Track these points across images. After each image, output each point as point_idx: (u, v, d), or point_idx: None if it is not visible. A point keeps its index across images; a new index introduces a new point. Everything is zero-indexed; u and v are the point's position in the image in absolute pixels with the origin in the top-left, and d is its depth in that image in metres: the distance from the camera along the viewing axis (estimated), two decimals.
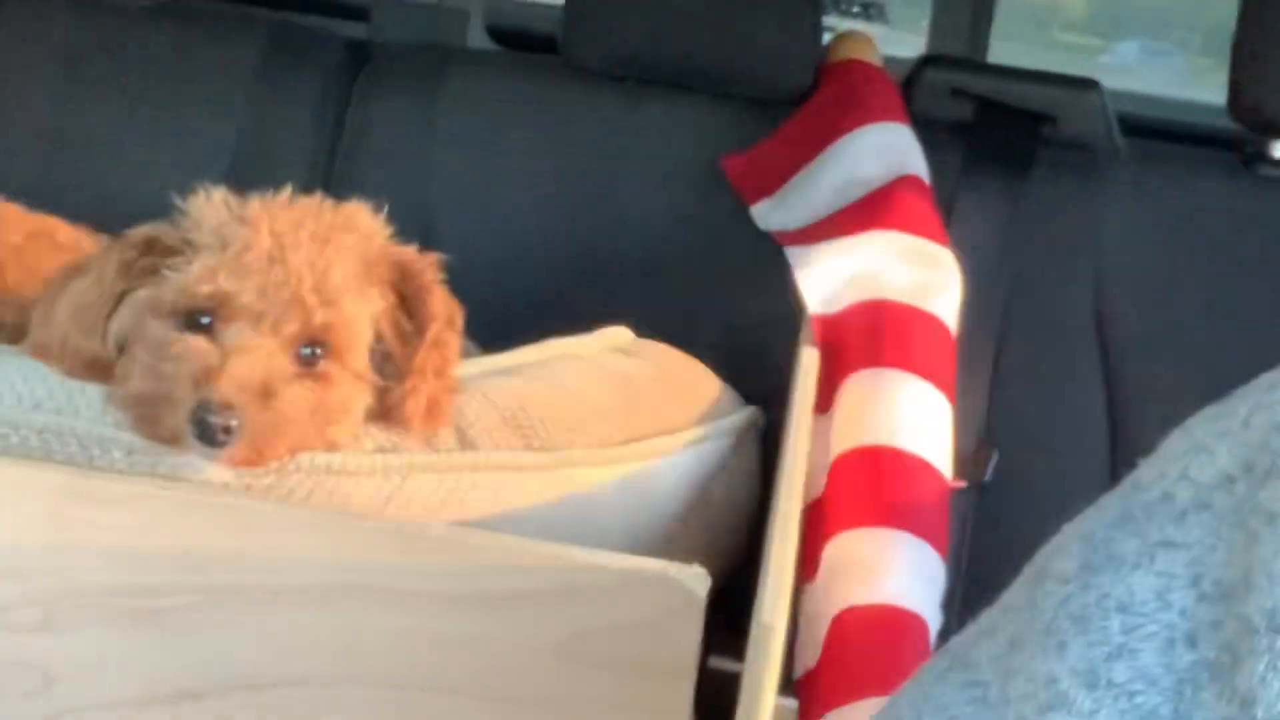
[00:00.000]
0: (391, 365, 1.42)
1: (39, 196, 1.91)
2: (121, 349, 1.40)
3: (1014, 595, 0.79)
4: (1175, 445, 0.76)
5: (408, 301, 1.44)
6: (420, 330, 1.42)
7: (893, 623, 1.64)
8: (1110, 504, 0.76)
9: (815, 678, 1.59)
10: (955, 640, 0.82)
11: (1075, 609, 0.74)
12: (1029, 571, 0.79)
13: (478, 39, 2.86)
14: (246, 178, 1.51)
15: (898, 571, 1.68)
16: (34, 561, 1.27)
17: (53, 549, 1.27)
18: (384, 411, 1.41)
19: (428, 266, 1.46)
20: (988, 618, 0.81)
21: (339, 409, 1.37)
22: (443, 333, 1.42)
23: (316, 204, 1.44)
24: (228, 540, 1.26)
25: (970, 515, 2.10)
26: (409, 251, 1.47)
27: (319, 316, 1.36)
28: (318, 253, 1.38)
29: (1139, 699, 0.71)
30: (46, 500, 1.27)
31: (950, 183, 2.21)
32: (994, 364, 2.16)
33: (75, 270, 1.46)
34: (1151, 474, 0.76)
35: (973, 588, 2.04)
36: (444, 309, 1.44)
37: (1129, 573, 0.73)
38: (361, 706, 1.27)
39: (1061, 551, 0.77)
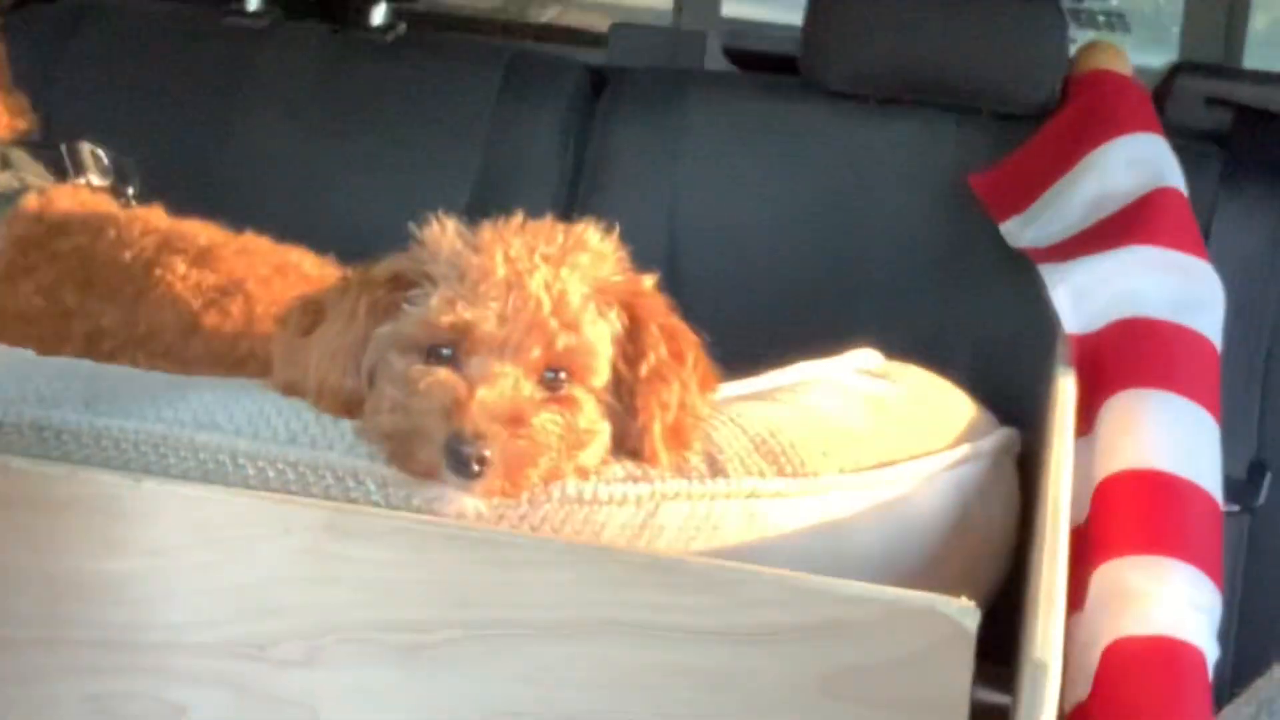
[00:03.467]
0: (627, 392, 1.39)
1: (289, 227, 1.93)
2: (369, 380, 1.40)
3: None
4: None
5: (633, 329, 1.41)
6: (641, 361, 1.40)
7: (1167, 655, 1.57)
8: None
9: (1087, 713, 1.53)
10: (1255, 686, 0.77)
11: None
12: None
13: (715, 61, 2.84)
14: (491, 204, 1.50)
15: (1170, 601, 1.61)
16: (296, 597, 1.27)
17: (314, 584, 1.27)
18: (626, 442, 1.39)
19: (646, 296, 1.43)
20: None
21: (588, 433, 1.35)
22: (663, 366, 1.39)
23: (548, 226, 1.42)
24: (488, 574, 1.25)
25: (1243, 542, 2.01)
26: (632, 278, 1.44)
27: (561, 340, 1.34)
28: (553, 275, 1.36)
29: None
30: (307, 535, 1.27)
31: (1209, 194, 2.13)
32: (1263, 381, 2.08)
33: (311, 307, 1.46)
34: None
35: (1247, 619, 1.96)
36: (661, 341, 1.40)
37: None
38: None
39: None
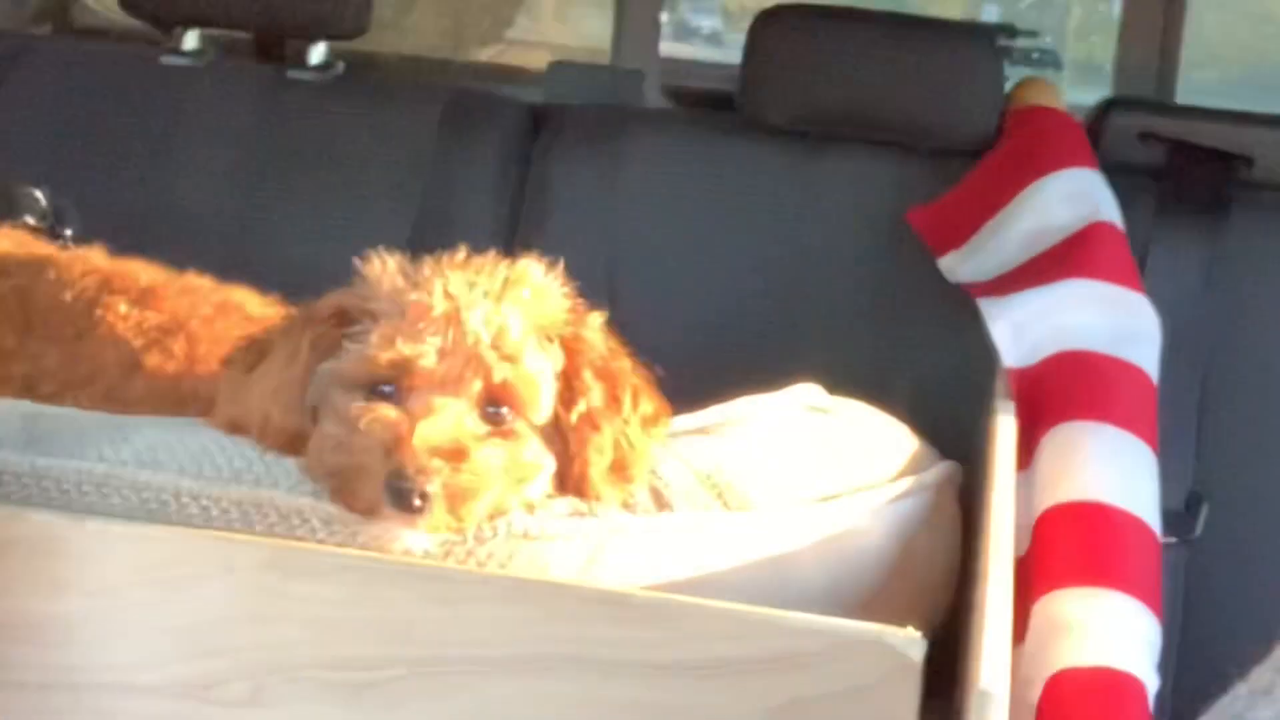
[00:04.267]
0: (564, 432, 1.40)
1: (230, 266, 1.93)
2: (313, 417, 1.39)
3: None
4: None
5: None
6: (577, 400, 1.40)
7: (1109, 686, 1.58)
8: None
9: None
10: (1221, 704, 0.78)
11: None
12: None
13: (653, 99, 2.85)
14: (430, 242, 1.50)
15: (1111, 632, 1.62)
16: (241, 636, 1.26)
17: (259, 623, 1.26)
18: (569, 479, 1.39)
19: (583, 338, 1.43)
20: (1260, 676, 0.76)
21: (530, 466, 1.36)
22: (594, 412, 1.39)
23: (490, 262, 1.43)
24: (433, 611, 1.24)
25: (1181, 572, 2.03)
26: (576, 316, 1.44)
27: (500, 373, 1.34)
28: (493, 310, 1.36)
29: None
30: (251, 573, 1.26)
31: (1144, 228, 2.15)
32: (1199, 413, 2.10)
33: (257, 345, 1.46)
34: None
35: (1187, 648, 1.97)
36: (596, 384, 1.40)
37: None
38: None
39: None
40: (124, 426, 1.41)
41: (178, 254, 1.93)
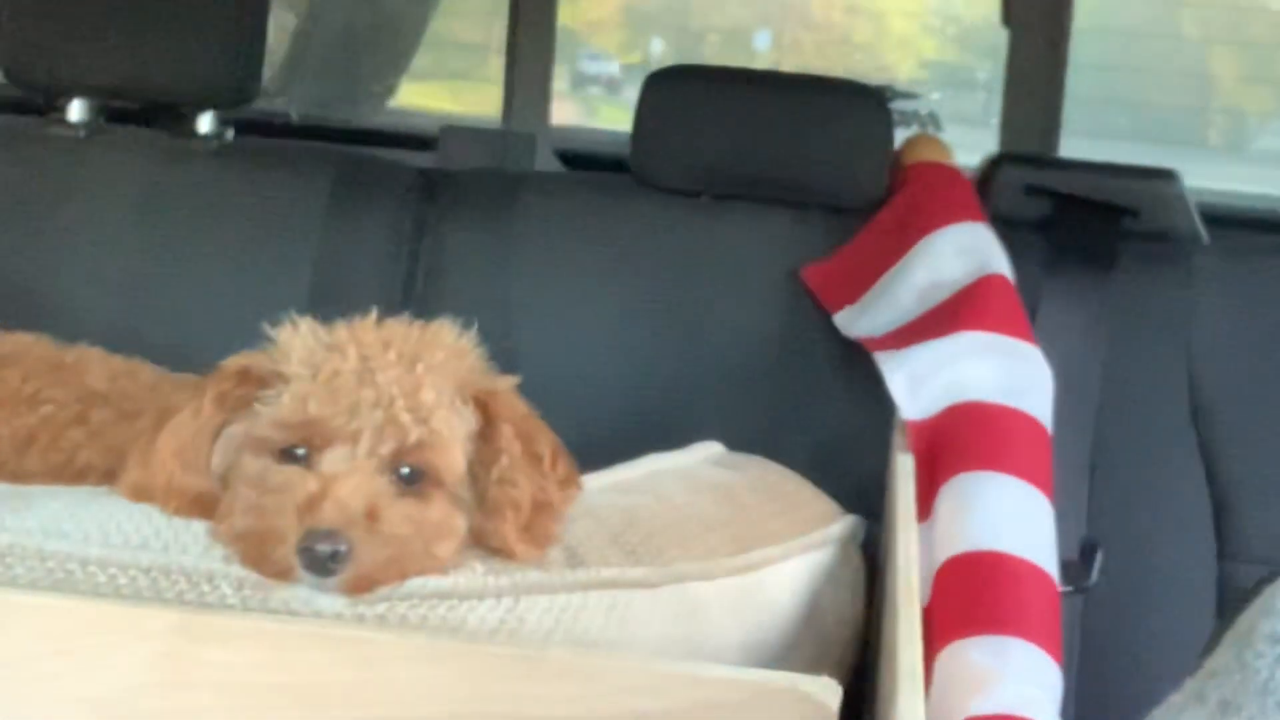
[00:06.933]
0: (481, 489, 1.40)
1: (122, 337, 1.91)
2: (223, 482, 1.38)
3: (1220, 660, 0.78)
4: None
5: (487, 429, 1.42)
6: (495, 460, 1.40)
7: None
8: None
9: None
10: (1156, 713, 0.80)
11: None
12: (1233, 635, 0.78)
13: (545, 163, 2.87)
14: (325, 309, 1.50)
15: (1015, 679, 1.64)
16: (153, 703, 1.24)
17: (171, 690, 1.24)
18: (483, 538, 1.39)
19: (501, 395, 1.43)
20: (1192, 684, 0.79)
21: (445, 527, 1.35)
22: (514, 467, 1.40)
23: (404, 325, 1.43)
24: (348, 673, 1.23)
25: (1077, 620, 2.05)
26: (490, 378, 1.44)
27: (413, 435, 1.34)
28: (407, 372, 1.36)
29: None
30: (161, 640, 1.24)
31: (1034, 280, 2.19)
32: (1090, 462, 2.13)
33: (166, 411, 1.45)
34: None
35: (1084, 695, 2.00)
36: (515, 441, 1.41)
37: None
38: None
39: (1271, 612, 0.75)
40: (27, 496, 1.39)
41: (66, 326, 1.91)
